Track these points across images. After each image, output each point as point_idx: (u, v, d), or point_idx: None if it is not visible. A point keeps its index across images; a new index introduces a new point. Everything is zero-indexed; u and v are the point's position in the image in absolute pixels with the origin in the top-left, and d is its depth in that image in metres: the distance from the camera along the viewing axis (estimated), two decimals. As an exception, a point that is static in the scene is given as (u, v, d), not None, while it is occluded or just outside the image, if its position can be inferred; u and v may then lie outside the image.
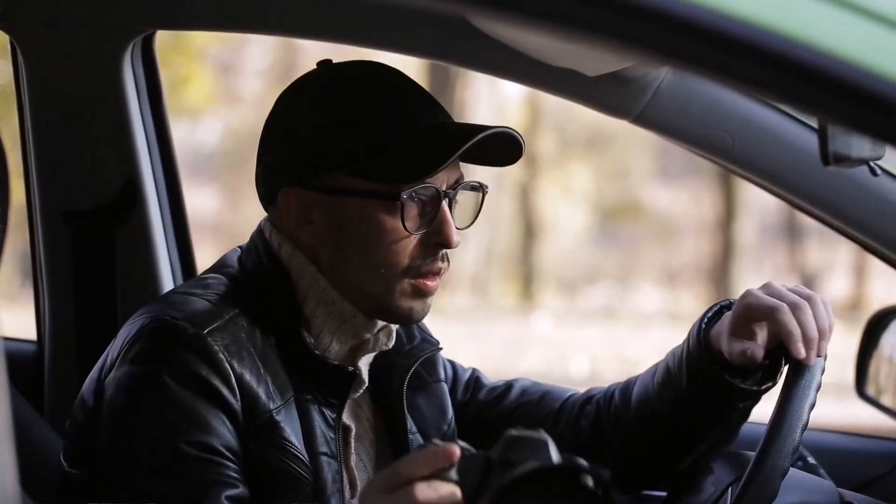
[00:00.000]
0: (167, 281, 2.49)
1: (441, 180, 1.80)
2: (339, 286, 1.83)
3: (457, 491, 1.43)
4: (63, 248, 2.48)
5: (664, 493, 2.03)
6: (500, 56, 2.16)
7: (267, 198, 1.86)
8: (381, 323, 1.86)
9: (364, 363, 1.89)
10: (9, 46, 2.45)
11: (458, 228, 1.83)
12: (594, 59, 2.07)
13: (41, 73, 2.44)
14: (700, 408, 1.91)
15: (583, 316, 10.49)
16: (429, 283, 1.82)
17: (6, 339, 2.62)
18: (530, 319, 10.51)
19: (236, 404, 1.75)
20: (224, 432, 1.74)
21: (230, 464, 1.74)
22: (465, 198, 1.87)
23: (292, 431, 1.79)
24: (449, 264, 1.85)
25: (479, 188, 1.87)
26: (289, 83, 1.89)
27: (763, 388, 1.88)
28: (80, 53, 2.42)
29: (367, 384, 1.89)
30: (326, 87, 1.84)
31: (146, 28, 2.43)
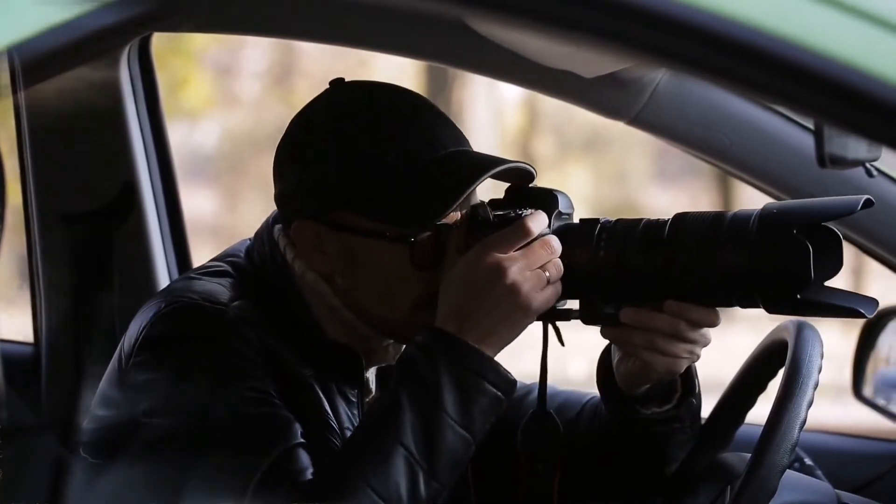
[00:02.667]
0: (164, 283, 2.49)
1: (454, 216, 1.76)
2: (352, 309, 1.80)
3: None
4: (60, 251, 2.47)
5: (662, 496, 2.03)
6: (498, 58, 2.16)
7: (283, 222, 1.83)
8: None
9: (371, 373, 1.88)
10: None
11: None
12: (591, 61, 2.07)
13: (38, 76, 2.43)
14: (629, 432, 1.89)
15: (582, 318, 10.42)
16: None
17: (3, 341, 2.62)
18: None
19: (269, 368, 1.72)
20: (273, 384, 1.70)
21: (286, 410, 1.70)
22: None
23: (324, 401, 1.77)
24: None
25: None
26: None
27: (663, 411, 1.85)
28: (76, 56, 2.42)
29: (374, 393, 1.88)
30: (332, 120, 1.79)
31: (143, 30, 2.43)
